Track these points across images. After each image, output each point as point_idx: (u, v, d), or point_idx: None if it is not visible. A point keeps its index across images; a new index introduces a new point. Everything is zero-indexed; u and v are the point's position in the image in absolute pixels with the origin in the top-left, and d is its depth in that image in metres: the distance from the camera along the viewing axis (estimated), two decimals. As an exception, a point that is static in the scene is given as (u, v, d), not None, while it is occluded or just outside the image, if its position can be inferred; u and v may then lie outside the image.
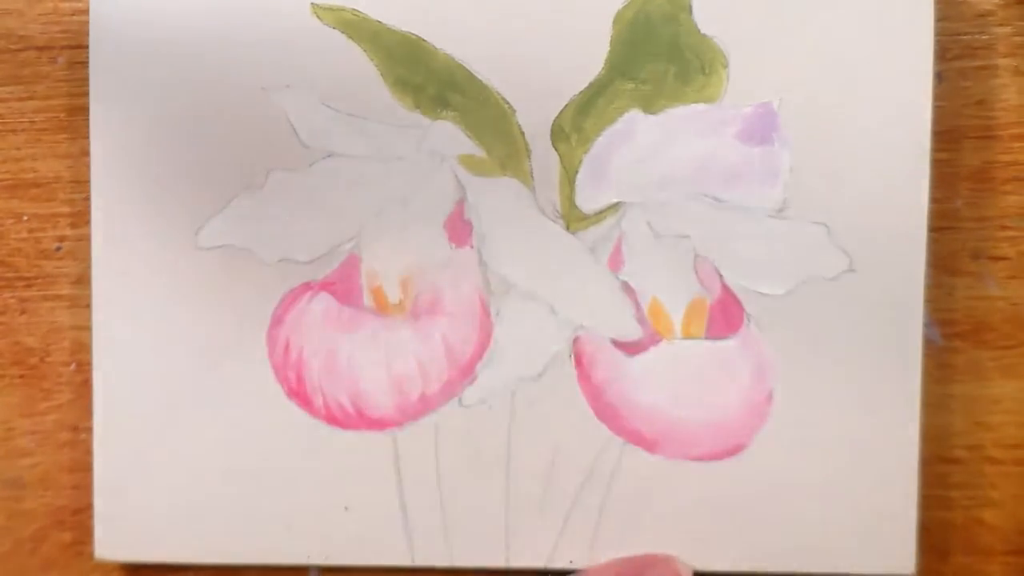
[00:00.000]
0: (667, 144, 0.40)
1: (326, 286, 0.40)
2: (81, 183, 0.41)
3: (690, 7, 0.39)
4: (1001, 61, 0.41)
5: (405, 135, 0.40)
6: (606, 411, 0.40)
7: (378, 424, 0.40)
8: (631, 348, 0.40)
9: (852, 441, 0.40)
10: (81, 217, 0.41)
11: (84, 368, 0.41)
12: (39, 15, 0.41)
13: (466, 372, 0.40)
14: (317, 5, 0.40)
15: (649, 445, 0.40)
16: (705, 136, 0.40)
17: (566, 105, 0.40)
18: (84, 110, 0.40)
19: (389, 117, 0.40)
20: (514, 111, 0.40)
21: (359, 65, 0.40)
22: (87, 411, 0.40)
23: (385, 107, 0.40)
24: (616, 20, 0.40)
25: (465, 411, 0.40)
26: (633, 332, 0.40)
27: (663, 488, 0.40)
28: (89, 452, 0.40)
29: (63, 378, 0.42)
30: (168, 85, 0.40)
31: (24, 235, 0.41)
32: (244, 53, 0.40)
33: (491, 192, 0.40)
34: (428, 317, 0.40)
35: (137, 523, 0.40)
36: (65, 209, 0.41)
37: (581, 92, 0.40)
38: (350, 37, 0.40)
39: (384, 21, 0.40)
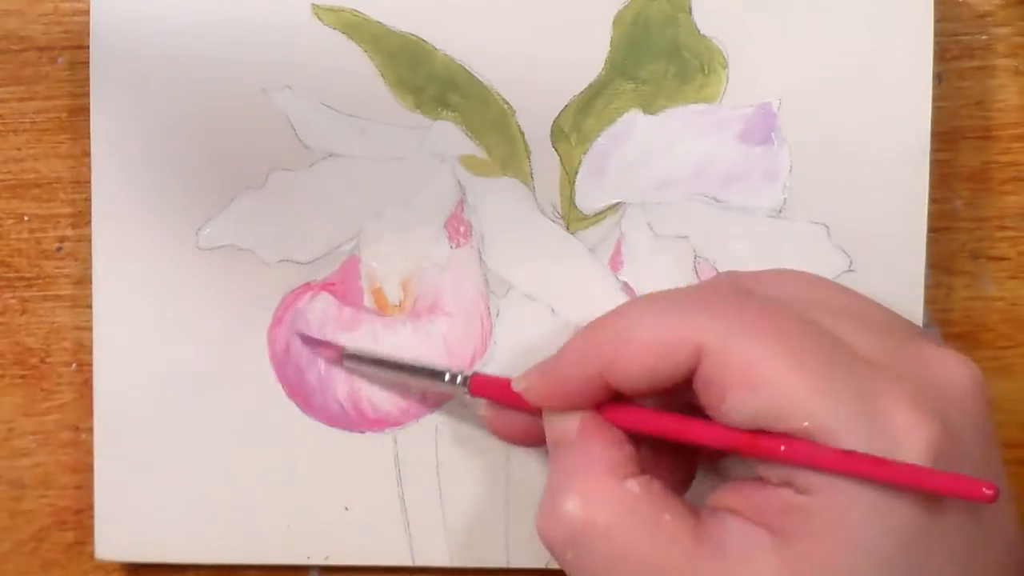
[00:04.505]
0: (667, 144, 0.40)
1: (327, 287, 0.40)
2: (82, 183, 0.41)
3: (689, 8, 0.40)
4: (1000, 62, 0.41)
5: (405, 135, 0.40)
6: (606, 411, 0.40)
7: (378, 424, 0.40)
8: (631, 348, 0.40)
9: (851, 441, 0.40)
10: (82, 217, 0.41)
11: (85, 368, 0.41)
12: (40, 16, 0.41)
13: (466, 372, 0.40)
14: (318, 6, 0.40)
15: (649, 445, 0.40)
16: (705, 136, 0.40)
17: (566, 105, 0.40)
18: (85, 110, 0.40)
19: (389, 117, 0.40)
20: (514, 111, 0.40)
21: (359, 66, 0.40)
22: (88, 411, 0.40)
23: (385, 107, 0.40)
24: (616, 21, 0.40)
25: (465, 411, 0.40)
26: (633, 332, 0.40)
27: (663, 488, 0.40)
28: (90, 452, 0.40)
29: (64, 378, 0.42)
30: (169, 85, 0.40)
31: (25, 235, 0.41)
32: (244, 53, 0.40)
33: (491, 192, 0.40)
34: (428, 317, 0.40)
35: (137, 523, 0.40)
36: (66, 209, 0.41)
37: (581, 92, 0.40)
38: (351, 38, 0.40)
39: (384, 22, 0.40)
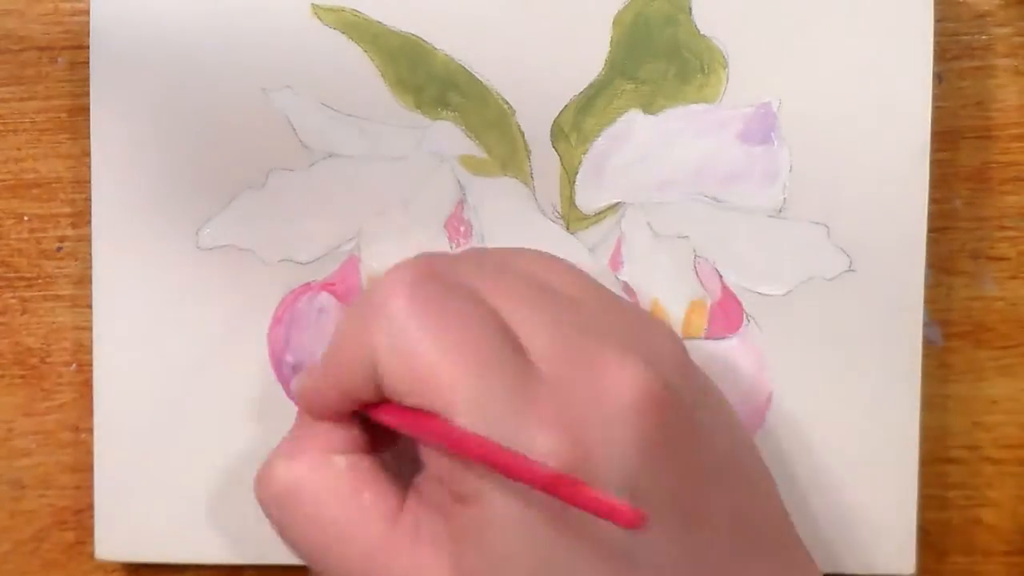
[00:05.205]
0: (667, 144, 0.40)
1: (327, 287, 0.40)
2: (82, 183, 0.41)
3: (689, 8, 0.40)
4: (1000, 62, 0.41)
5: (405, 135, 0.40)
6: (606, 411, 0.40)
7: (378, 424, 0.40)
8: (631, 348, 0.40)
9: (851, 441, 0.40)
10: (82, 217, 0.41)
11: (85, 368, 0.41)
12: (39, 15, 0.41)
13: (466, 372, 0.40)
14: (317, 6, 0.40)
15: (649, 445, 0.40)
16: (705, 136, 0.40)
17: (566, 105, 0.40)
18: (85, 110, 0.40)
19: (389, 117, 0.40)
20: (514, 111, 0.40)
21: (359, 65, 0.40)
22: (88, 411, 0.40)
23: (385, 107, 0.40)
24: (616, 22, 0.40)
25: (465, 411, 0.40)
26: (633, 332, 0.40)
27: (663, 488, 0.40)
28: (90, 452, 0.40)
29: (64, 378, 0.42)
30: (168, 85, 0.40)
31: (25, 235, 0.41)
32: (244, 53, 0.40)
33: (491, 192, 0.40)
34: (428, 317, 0.40)
35: (137, 523, 0.40)
36: (66, 209, 0.41)
37: (581, 92, 0.40)
38: (350, 38, 0.40)
39: (384, 22, 0.40)
